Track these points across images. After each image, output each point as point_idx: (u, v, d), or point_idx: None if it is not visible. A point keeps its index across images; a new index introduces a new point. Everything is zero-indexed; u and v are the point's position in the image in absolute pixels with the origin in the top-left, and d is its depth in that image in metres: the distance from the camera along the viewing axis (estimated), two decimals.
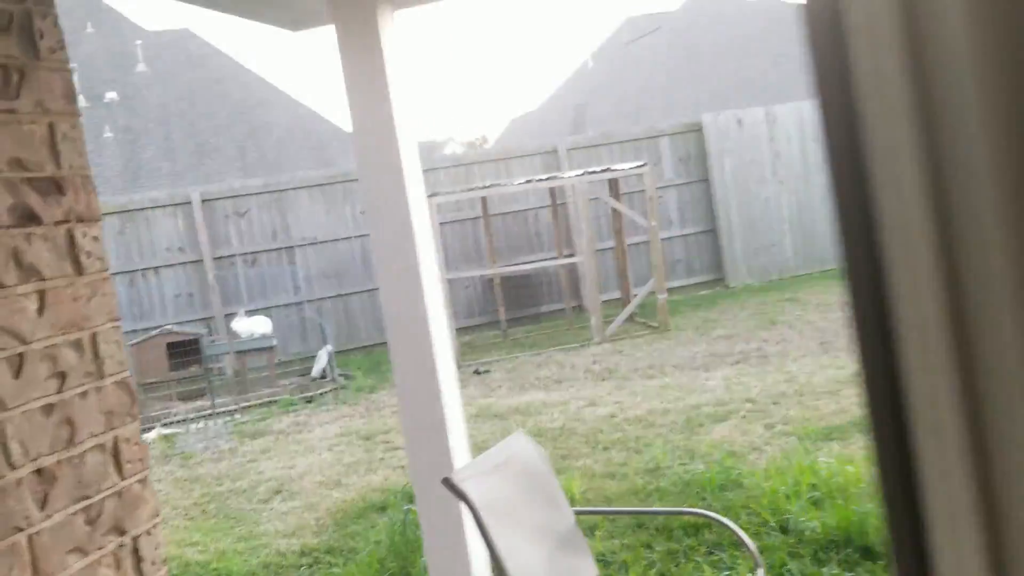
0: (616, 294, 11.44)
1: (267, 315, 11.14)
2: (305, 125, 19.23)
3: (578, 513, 2.83)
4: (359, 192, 2.75)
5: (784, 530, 4.04)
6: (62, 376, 1.37)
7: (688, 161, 12.61)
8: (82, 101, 18.39)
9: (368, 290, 11.68)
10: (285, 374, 10.03)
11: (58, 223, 1.40)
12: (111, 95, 18.97)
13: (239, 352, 9.37)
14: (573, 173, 9.88)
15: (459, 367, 9.54)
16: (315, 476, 6.05)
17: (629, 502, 4.61)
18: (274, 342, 9.53)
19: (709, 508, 4.39)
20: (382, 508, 4.99)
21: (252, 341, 9.51)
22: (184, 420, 8.70)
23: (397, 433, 6.93)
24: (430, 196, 9.88)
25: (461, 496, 2.42)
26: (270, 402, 8.95)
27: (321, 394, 9.04)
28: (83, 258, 1.44)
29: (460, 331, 10.61)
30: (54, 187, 1.39)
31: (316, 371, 9.86)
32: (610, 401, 6.97)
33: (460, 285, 11.49)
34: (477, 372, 9.03)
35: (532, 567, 2.53)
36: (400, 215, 2.99)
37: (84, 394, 1.41)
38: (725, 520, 2.68)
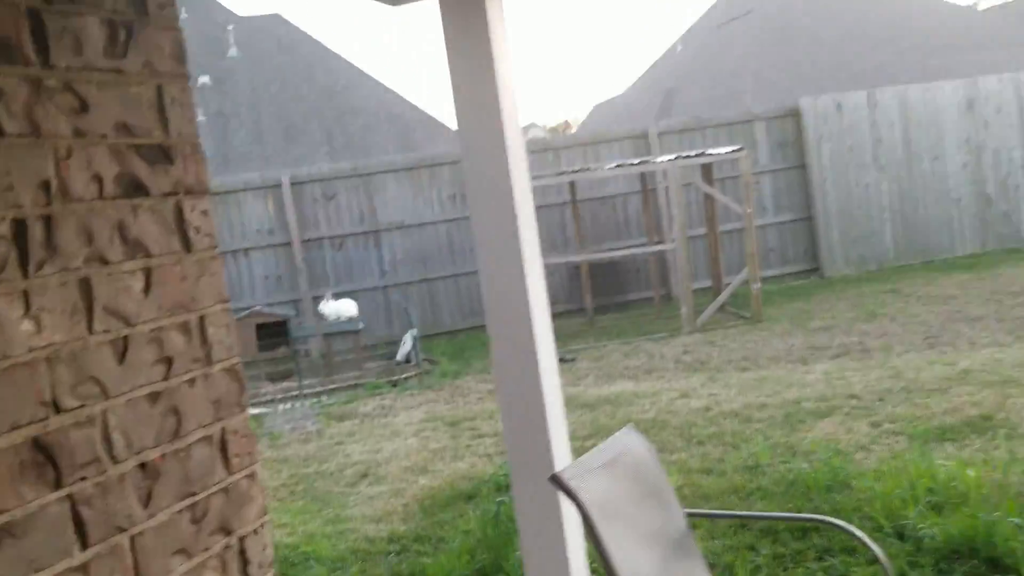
0: (707, 283, 11.12)
1: (353, 299, 11.20)
2: (391, 109, 19.32)
3: (690, 515, 2.65)
4: (463, 174, 2.62)
5: (901, 537, 3.77)
6: (168, 362, 1.27)
7: (784, 147, 12.16)
8: None
9: (453, 275, 11.64)
10: (370, 357, 10.07)
11: (166, 195, 1.30)
12: (204, 79, 19.37)
13: (326, 335, 9.43)
14: (666, 157, 9.59)
15: None
16: (401, 461, 5.99)
17: (728, 501, 4.39)
18: (360, 325, 9.56)
19: (816, 510, 4.14)
20: (470, 497, 4.89)
21: (339, 324, 9.56)
22: (272, 400, 8.80)
23: (483, 420, 6.84)
24: None
25: (570, 495, 2.27)
26: (355, 385, 8.98)
27: (406, 378, 9.02)
28: (191, 234, 1.34)
29: None
30: (162, 155, 1.28)
31: (401, 355, 9.87)
32: (704, 393, 6.72)
33: (546, 271, 11.33)
34: (563, 360, 8.87)
35: (646, 570, 2.37)
36: (504, 199, 2.84)
37: (191, 381, 1.31)
38: (859, 533, 2.45)
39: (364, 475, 5.81)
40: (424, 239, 11.63)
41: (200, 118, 18.68)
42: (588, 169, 10.15)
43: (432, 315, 11.58)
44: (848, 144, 12.00)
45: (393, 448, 6.37)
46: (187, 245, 1.30)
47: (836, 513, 4.02)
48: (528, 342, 2.87)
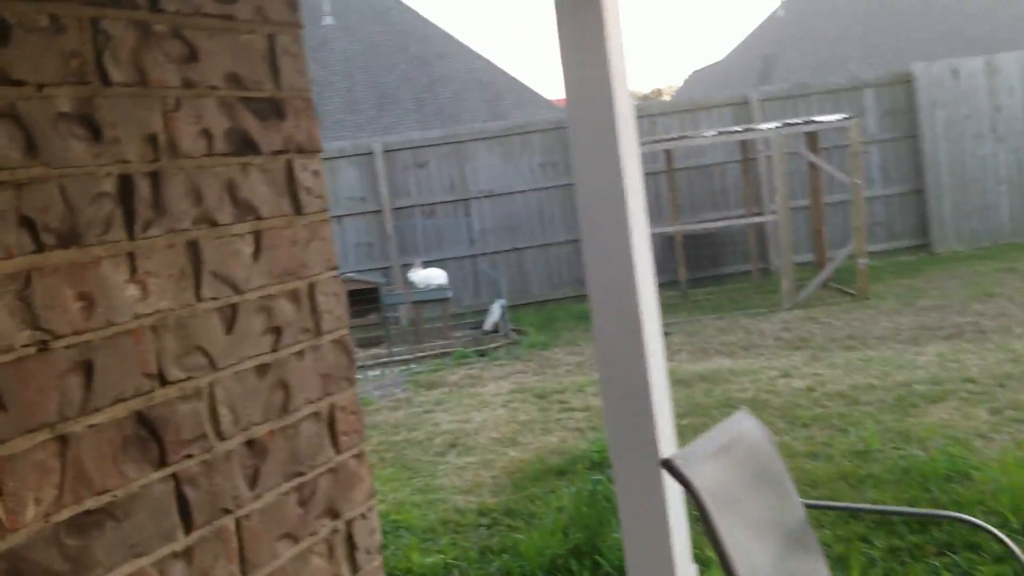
0: (808, 257, 10.69)
1: (442, 267, 11.20)
2: (481, 77, 19.20)
3: (809, 507, 2.47)
4: (569, 141, 2.44)
5: None
6: (277, 332, 1.18)
7: (895, 115, 11.55)
8: None
9: (542, 245, 11.52)
10: (458, 326, 10.05)
11: (276, 153, 1.20)
12: None
13: (415, 302, 9.44)
14: (770, 125, 9.19)
15: None
16: (490, 432, 5.94)
17: (838, 488, 4.16)
18: (449, 294, 9.53)
19: (934, 502, 3.88)
20: (562, 472, 4.79)
21: (428, 292, 9.56)
22: (362, 367, 8.87)
23: (572, 393, 6.72)
24: None
25: (684, 481, 2.12)
26: (443, 353, 8.98)
27: (494, 348, 8.97)
28: (302, 195, 1.24)
29: None
30: (273, 110, 1.18)
31: (489, 325, 9.82)
32: (807, 373, 6.45)
33: None
34: None
35: (761, 565, 2.21)
36: (610, 168, 2.68)
37: (300, 353, 1.22)
38: (1002, 536, 2.24)
39: (453, 445, 5.78)
40: (514, 208, 11.52)
41: None
42: (687, 137, 9.83)
43: (520, 285, 11.50)
44: (964, 112, 11.31)
45: (482, 419, 6.32)
46: (297, 207, 1.20)
47: (957, 506, 3.76)
48: (633, 318, 2.72)
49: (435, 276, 9.68)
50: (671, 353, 7.73)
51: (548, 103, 18.08)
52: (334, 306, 1.25)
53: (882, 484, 4.16)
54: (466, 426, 6.17)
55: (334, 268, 1.24)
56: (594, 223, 2.77)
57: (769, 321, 8.61)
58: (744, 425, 2.29)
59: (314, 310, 1.23)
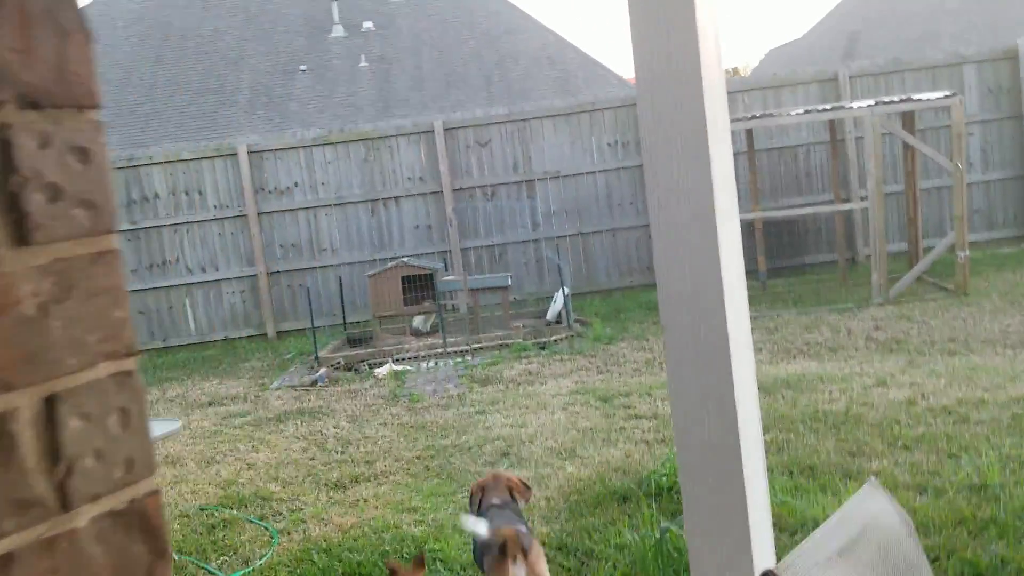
0: (900, 247, 9.79)
1: (502, 251, 10.66)
2: (552, 53, 18.49)
3: None
4: (639, 116, 1.89)
5: None
6: None
7: (998, 93, 10.51)
8: (340, 31, 18.77)
9: (610, 230, 10.86)
10: (518, 315, 9.49)
11: None
12: (368, 25, 19.20)
13: (473, 290, 8.91)
14: (864, 103, 8.33)
15: None
16: (546, 440, 5.36)
17: (955, 537, 3.45)
18: (509, 281, 8.97)
19: None
20: (624, 498, 4.18)
21: (487, 279, 9.02)
22: (416, 357, 8.39)
23: (639, 397, 6.09)
24: None
25: None
26: (502, 345, 8.44)
27: (555, 341, 8.38)
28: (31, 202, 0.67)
29: None
30: None
31: (551, 315, 9.23)
32: (904, 382, 5.68)
33: None
34: None
35: None
36: (696, 147, 2.03)
37: None
38: None
39: (505, 453, 5.22)
40: (580, 190, 10.88)
41: (363, 63, 18.56)
42: (770, 115, 9.02)
43: (586, 272, 10.86)
44: None
45: (538, 423, 5.75)
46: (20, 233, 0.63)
47: None
48: (717, 328, 2.08)
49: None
50: None
51: (621, 80, 17.28)
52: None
53: (1008, 531, 3.45)
54: (521, 432, 5.61)
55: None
56: (669, 220, 2.13)
57: (858, 318, 7.81)
58: (874, 508, 1.65)
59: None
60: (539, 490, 4.51)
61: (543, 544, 3.77)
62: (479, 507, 3.23)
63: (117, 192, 10.76)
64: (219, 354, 10.20)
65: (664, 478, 4.15)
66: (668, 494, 4.05)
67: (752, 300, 8.76)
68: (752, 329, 5.72)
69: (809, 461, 4.42)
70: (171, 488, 5.31)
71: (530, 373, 7.33)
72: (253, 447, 6.04)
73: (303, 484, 5.10)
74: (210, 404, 7.63)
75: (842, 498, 3.84)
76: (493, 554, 2.87)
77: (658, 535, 3.09)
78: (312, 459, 5.59)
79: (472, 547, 3.32)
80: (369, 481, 5.03)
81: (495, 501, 3.21)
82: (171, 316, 10.83)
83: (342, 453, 5.62)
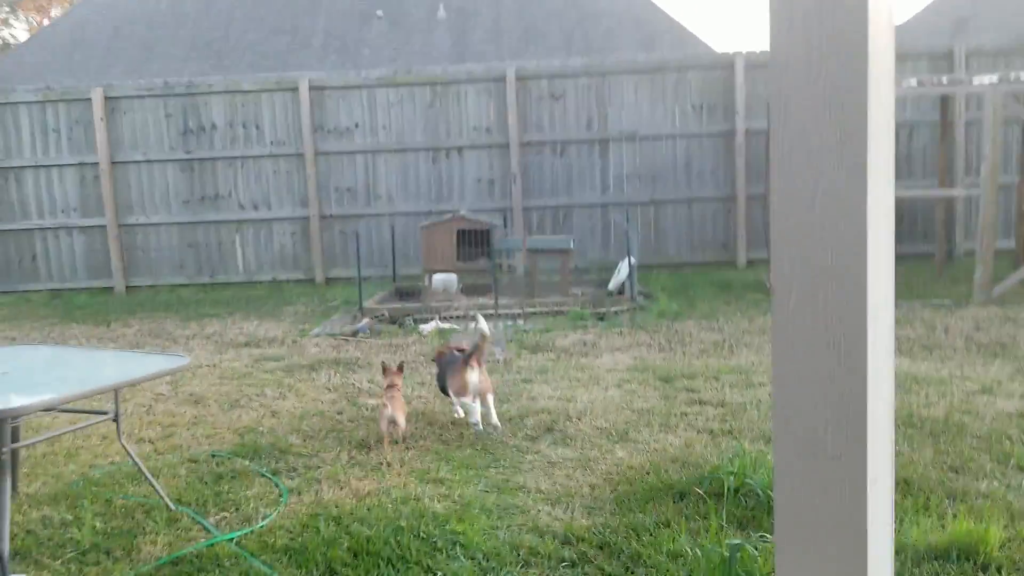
0: (1008, 244, 8.88)
1: (567, 213, 10.07)
2: (637, 14, 17.62)
3: None
4: (771, 76, 1.38)
5: None
6: None
7: None
8: None
9: (687, 199, 10.16)
10: (578, 282, 8.88)
11: None
12: None
13: (532, 251, 8.33)
14: (987, 78, 7.43)
15: None
16: (597, 419, 4.78)
17: None
18: (571, 245, 8.36)
19: None
20: (681, 495, 3.58)
21: (547, 240, 8.42)
22: (464, 316, 7.87)
23: (704, 380, 5.46)
24: None
25: None
26: (557, 312, 7.86)
27: (616, 312, 7.76)
28: None
29: None
30: None
31: (613, 284, 8.60)
32: (1015, 391, 4.94)
33: None
34: None
35: None
36: (850, 113, 1.39)
37: None
38: None
39: (549, 429, 4.65)
40: (657, 154, 10.17)
41: (440, 13, 17.98)
42: None
43: (655, 243, 10.19)
44: None
45: (589, 399, 5.16)
46: None
47: None
48: (855, 320, 1.47)
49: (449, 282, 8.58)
50: None
51: (710, 51, 16.35)
52: None
53: None
54: (568, 406, 5.03)
55: None
56: (802, 177, 1.50)
57: (956, 317, 7.01)
58: None
59: None
60: (583, 475, 3.94)
61: (582, 541, 3.21)
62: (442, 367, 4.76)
63: (175, 119, 10.45)
64: (264, 295, 9.83)
65: (731, 476, 3.53)
66: (734, 497, 3.44)
67: None
68: None
69: (904, 473, 3.76)
70: (187, 429, 4.91)
71: (585, 344, 6.74)
72: (281, 394, 5.60)
73: (325, 440, 4.63)
74: (246, 344, 7.24)
75: (946, 522, 3.18)
76: (455, 365, 4.56)
77: (725, 551, 2.49)
78: (339, 413, 5.11)
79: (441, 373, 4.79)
80: (396, 443, 4.53)
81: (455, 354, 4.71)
82: (220, 252, 10.51)
83: (372, 410, 5.13)
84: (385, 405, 4.38)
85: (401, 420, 4.42)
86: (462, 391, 4.53)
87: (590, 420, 4.75)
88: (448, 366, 4.63)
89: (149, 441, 4.73)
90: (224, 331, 7.84)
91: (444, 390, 4.74)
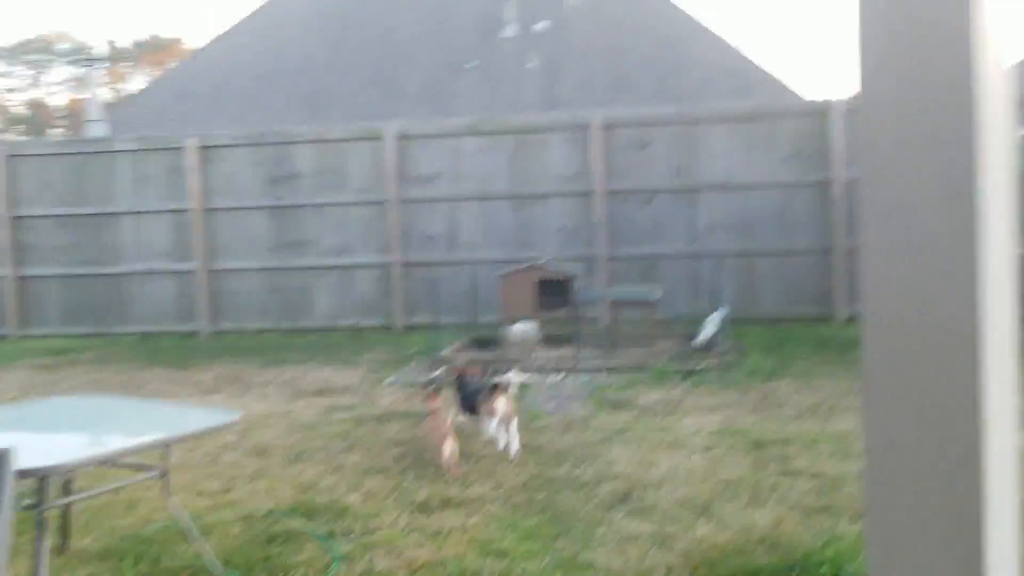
0: None
1: (654, 264, 9.72)
2: (728, 64, 17.28)
3: None
4: (863, 120, 1.06)
5: None
6: None
7: None
8: (513, 30, 18.32)
9: (782, 252, 9.69)
10: (663, 336, 8.48)
11: None
12: (542, 25, 18.68)
13: (615, 301, 8.00)
14: None
15: None
16: (677, 487, 4.39)
17: None
18: (656, 296, 8.00)
19: None
20: None
21: (631, 292, 8.09)
22: (543, 368, 7.58)
23: (799, 447, 5.01)
24: None
25: None
26: (641, 367, 7.48)
27: (703, 369, 7.33)
28: None
29: None
30: None
31: (701, 339, 8.18)
32: None
33: None
34: None
35: None
36: (958, 152, 1.07)
37: None
38: None
39: (624, 497, 4.30)
40: (750, 204, 9.76)
41: (530, 64, 18.04)
42: None
43: (748, 296, 9.72)
44: None
45: (670, 465, 4.78)
46: None
47: None
48: (962, 395, 1.13)
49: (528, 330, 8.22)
50: None
51: (802, 100, 15.85)
52: None
53: None
54: (648, 473, 4.67)
55: None
56: (899, 249, 1.17)
57: None
58: None
59: None
60: (660, 553, 3.57)
61: None
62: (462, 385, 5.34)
63: (265, 167, 10.61)
64: (343, 341, 9.77)
65: (823, 566, 3.11)
66: None
67: None
68: None
69: None
70: (248, 483, 4.74)
71: (669, 402, 6.36)
72: (348, 446, 5.40)
73: (386, 500, 4.38)
74: (319, 392, 7.12)
75: None
76: (484, 392, 5.04)
77: None
78: (405, 469, 4.87)
79: (463, 393, 5.27)
80: (460, 507, 4.25)
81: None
82: (302, 297, 10.55)
83: (438, 468, 4.87)
84: (429, 435, 4.60)
85: (447, 449, 4.62)
86: (491, 414, 4.99)
87: (670, 490, 4.37)
88: (474, 391, 5.22)
89: (208, 495, 4.57)
90: (300, 377, 7.76)
91: (466, 409, 5.26)
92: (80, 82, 37.81)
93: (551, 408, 6.28)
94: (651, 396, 6.56)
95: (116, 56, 41.04)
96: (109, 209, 10.81)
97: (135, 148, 10.79)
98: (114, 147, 10.85)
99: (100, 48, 40.02)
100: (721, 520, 3.91)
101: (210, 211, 10.59)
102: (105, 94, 33.60)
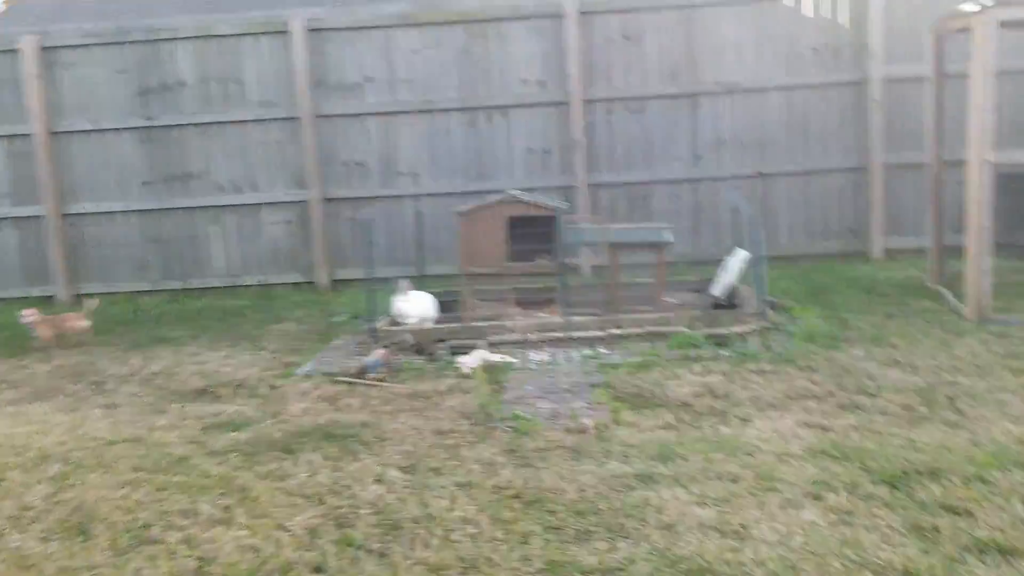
0: None
1: (647, 193, 7.74)
2: None
3: None
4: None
5: None
6: None
7: None
8: None
9: (803, 172, 7.93)
10: (670, 287, 6.47)
11: None
12: None
13: (615, 244, 5.96)
14: None
15: (978, 315, 5.37)
16: None
17: None
18: (670, 237, 5.98)
19: None
20: None
21: (638, 232, 6.07)
22: (522, 343, 5.51)
23: (960, 480, 3.07)
24: (980, 10, 5.51)
25: None
26: (653, 333, 5.48)
27: (741, 335, 5.36)
28: None
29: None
30: None
31: (720, 289, 6.22)
32: None
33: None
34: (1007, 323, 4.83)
35: None
36: None
37: None
38: None
39: None
40: (765, 114, 7.93)
41: None
42: None
43: (764, 229, 7.76)
44: None
45: (774, 533, 2.79)
46: None
47: None
48: None
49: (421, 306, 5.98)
50: None
51: None
52: None
53: None
54: (741, 557, 2.66)
55: None
56: None
57: None
58: None
59: None
60: None
61: None
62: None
63: (131, 75, 8.20)
64: (247, 307, 7.63)
65: None
66: None
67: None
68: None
69: None
70: None
71: (714, 393, 4.37)
72: (224, 512, 3.24)
73: None
74: (200, 395, 4.96)
75: None
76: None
77: None
78: (318, 570, 2.77)
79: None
80: None
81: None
82: (191, 249, 8.31)
83: (381, 559, 2.80)
84: None
85: None
86: None
87: None
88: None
89: None
90: (176, 367, 5.60)
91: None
92: None
93: (546, 412, 4.23)
94: (683, 381, 4.57)
95: None
96: None
97: None
98: None
99: None
100: None
101: (59, 135, 8.17)
102: None
